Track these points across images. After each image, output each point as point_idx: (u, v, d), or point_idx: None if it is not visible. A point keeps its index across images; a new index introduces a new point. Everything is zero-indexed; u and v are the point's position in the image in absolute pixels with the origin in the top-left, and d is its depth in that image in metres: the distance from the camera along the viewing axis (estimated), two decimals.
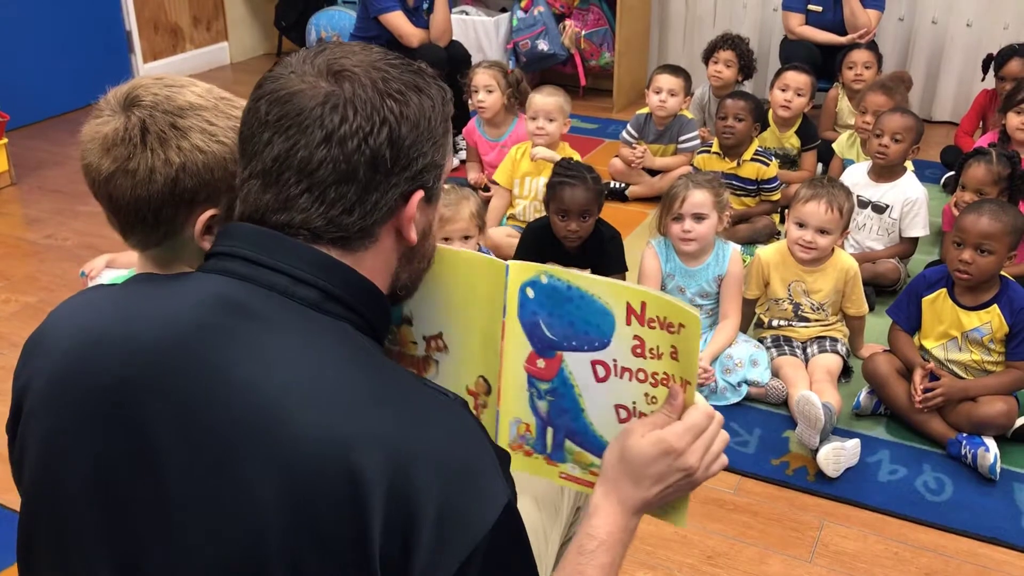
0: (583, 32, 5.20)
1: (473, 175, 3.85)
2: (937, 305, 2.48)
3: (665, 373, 1.05)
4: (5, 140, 4.10)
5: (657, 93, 3.82)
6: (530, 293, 1.07)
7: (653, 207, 3.49)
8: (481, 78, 3.68)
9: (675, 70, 3.84)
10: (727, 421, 2.50)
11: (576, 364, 1.09)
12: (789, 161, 3.83)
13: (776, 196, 3.51)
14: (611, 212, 3.64)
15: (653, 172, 3.93)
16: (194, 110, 1.12)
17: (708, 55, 4.09)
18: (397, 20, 4.15)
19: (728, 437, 1.10)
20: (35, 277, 3.35)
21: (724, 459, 1.09)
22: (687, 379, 1.05)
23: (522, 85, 3.77)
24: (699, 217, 2.57)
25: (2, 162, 4.09)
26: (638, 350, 1.05)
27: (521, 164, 3.37)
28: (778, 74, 3.75)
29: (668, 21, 5.46)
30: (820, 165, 3.90)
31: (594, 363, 1.08)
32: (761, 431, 2.51)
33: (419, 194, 0.95)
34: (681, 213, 2.58)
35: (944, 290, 2.47)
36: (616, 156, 4.01)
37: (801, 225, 2.58)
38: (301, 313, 0.89)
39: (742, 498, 2.29)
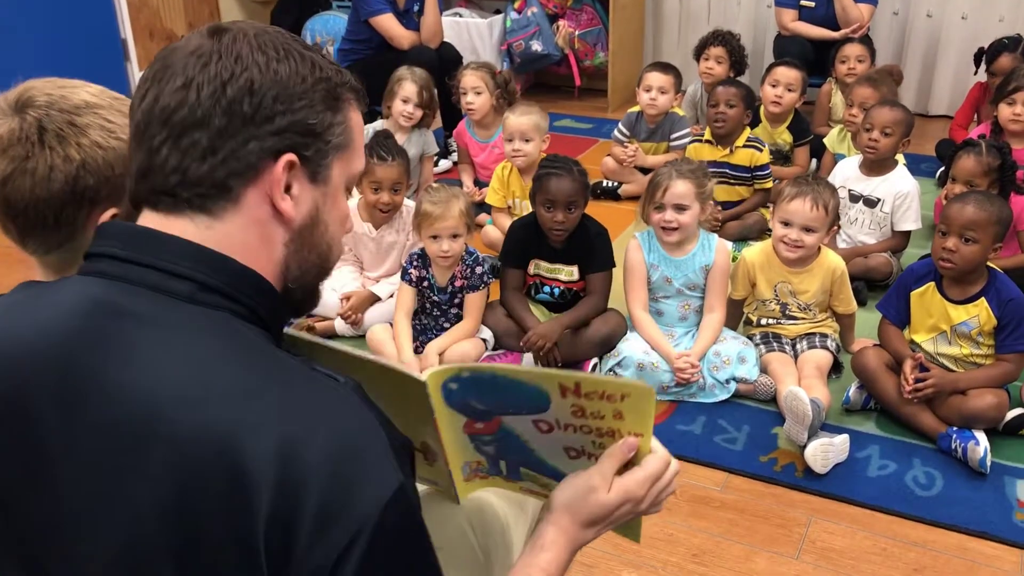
0: (577, 32, 5.20)
1: (467, 178, 3.83)
2: (926, 299, 2.46)
3: (611, 428, 1.07)
4: None
5: (647, 91, 3.80)
6: (452, 386, 1.06)
7: None
8: (469, 80, 3.67)
9: (665, 67, 3.83)
10: (716, 418, 2.50)
11: (516, 423, 1.09)
12: (782, 157, 3.81)
13: (769, 184, 3.49)
14: (604, 211, 3.62)
15: (646, 170, 3.91)
16: (90, 108, 1.11)
17: (699, 52, 4.08)
18: (387, 22, 4.15)
19: (676, 479, 1.13)
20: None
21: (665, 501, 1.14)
22: (638, 432, 1.07)
23: (510, 86, 3.76)
24: (681, 208, 2.56)
25: None
26: (579, 413, 1.06)
27: (510, 183, 3.34)
28: (768, 70, 3.74)
29: (662, 19, 5.45)
30: (814, 160, 3.88)
31: (535, 421, 1.08)
32: (750, 428, 2.49)
33: (288, 157, 0.90)
34: (663, 203, 2.56)
35: (932, 284, 2.44)
36: (608, 155, 4.00)
37: (786, 224, 2.56)
38: (175, 307, 0.87)
39: (729, 495, 2.26)
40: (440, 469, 1.20)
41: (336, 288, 2.97)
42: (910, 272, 2.52)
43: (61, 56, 5.08)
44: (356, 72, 3.78)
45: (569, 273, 2.74)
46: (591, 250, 2.70)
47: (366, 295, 2.91)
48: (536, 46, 5.19)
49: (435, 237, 2.62)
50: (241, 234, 0.91)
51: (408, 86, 3.54)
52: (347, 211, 1.03)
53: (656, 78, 3.79)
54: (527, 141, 3.23)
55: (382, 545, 0.81)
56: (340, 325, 2.90)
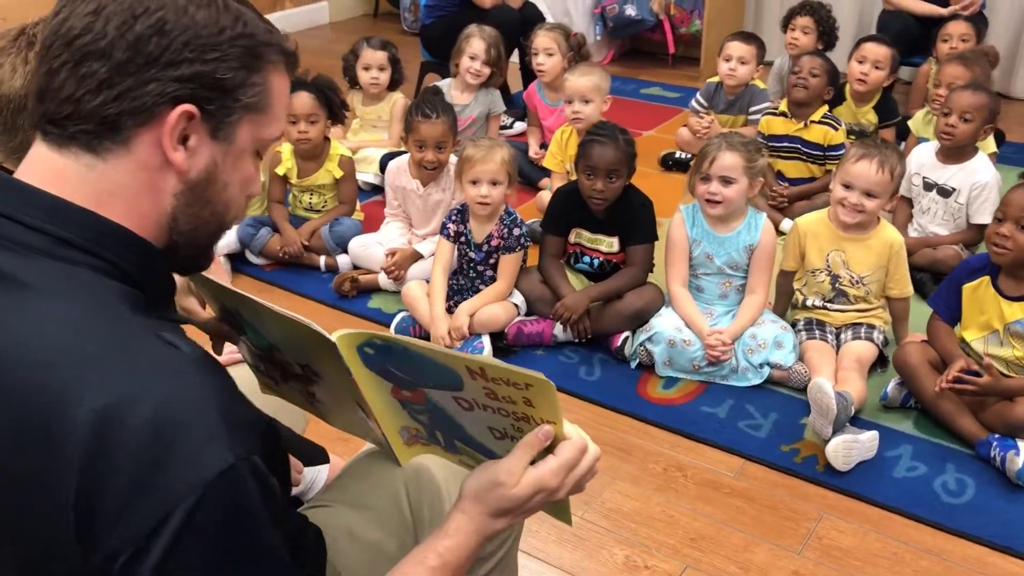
0: None
1: (533, 140, 3.79)
2: (979, 294, 2.30)
3: (524, 414, 1.03)
4: None
5: (727, 61, 3.67)
6: (369, 351, 1.04)
7: None
8: (542, 41, 3.62)
9: (747, 37, 3.68)
10: (744, 403, 2.42)
11: (439, 397, 1.07)
12: (866, 138, 3.61)
13: None
14: (673, 182, 3.53)
15: None
16: None
17: (786, 22, 3.90)
18: None
19: (597, 463, 1.08)
20: None
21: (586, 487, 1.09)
22: (550, 420, 1.03)
23: (584, 49, 3.69)
24: (727, 180, 2.46)
25: None
26: (492, 396, 1.03)
27: (568, 147, 3.28)
28: (857, 45, 3.54)
29: None
30: (902, 145, 3.67)
31: (456, 398, 1.05)
32: (777, 415, 2.40)
33: (187, 106, 0.87)
34: (709, 174, 2.47)
35: (987, 277, 2.29)
36: (684, 125, 3.89)
37: (847, 186, 2.43)
38: (29, 262, 0.84)
39: (741, 482, 2.19)
40: (376, 431, 1.19)
41: (383, 243, 3.00)
42: (965, 265, 2.37)
43: None
44: (439, 29, 3.85)
45: (609, 244, 2.68)
46: (633, 221, 2.63)
47: (410, 252, 2.92)
48: (630, 11, 5.06)
49: (475, 182, 2.61)
50: (125, 178, 0.89)
51: (476, 43, 3.51)
52: (252, 174, 0.99)
53: (737, 48, 3.65)
54: (586, 103, 3.16)
55: (200, 526, 0.78)
56: (383, 279, 2.92)
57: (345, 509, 1.24)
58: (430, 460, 1.30)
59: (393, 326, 2.72)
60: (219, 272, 1.31)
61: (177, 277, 1.28)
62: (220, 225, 0.99)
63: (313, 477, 1.45)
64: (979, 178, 2.90)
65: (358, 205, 3.25)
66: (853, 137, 3.60)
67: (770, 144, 3.41)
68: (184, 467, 0.78)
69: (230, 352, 1.48)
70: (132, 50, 0.86)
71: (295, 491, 1.43)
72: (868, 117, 3.58)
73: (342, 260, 3.05)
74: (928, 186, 2.99)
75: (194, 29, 0.87)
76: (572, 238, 2.72)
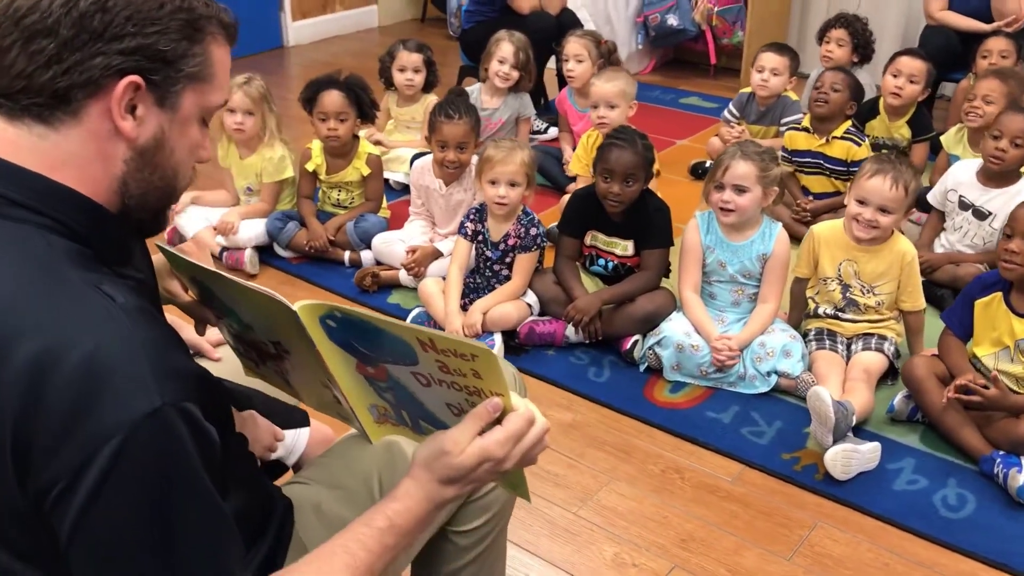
0: (716, 8, 5.04)
1: (566, 146, 3.82)
2: (991, 310, 2.28)
3: (475, 387, 1.07)
4: None
5: (759, 72, 3.67)
6: (331, 323, 1.07)
7: None
8: (572, 47, 3.66)
9: (781, 48, 3.68)
10: (750, 410, 2.43)
11: (399, 373, 1.10)
12: (899, 152, 3.58)
13: None
14: (700, 191, 3.52)
15: None
16: None
17: (821, 35, 3.89)
18: None
19: (546, 435, 1.09)
20: None
21: (537, 458, 1.11)
22: (497, 391, 1.06)
23: (614, 56, 3.72)
24: (740, 189, 2.47)
25: None
26: (444, 369, 1.06)
27: (594, 151, 3.30)
28: (892, 59, 3.51)
29: (810, 2, 5.21)
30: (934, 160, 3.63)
31: (413, 373, 1.09)
32: (782, 424, 2.40)
33: (133, 78, 0.93)
34: (723, 182, 2.49)
35: (999, 294, 2.27)
36: (716, 135, 3.89)
37: (862, 202, 2.43)
38: None
39: (738, 487, 2.20)
40: (345, 406, 1.23)
41: (405, 240, 3.06)
42: (978, 281, 2.35)
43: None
44: (477, 34, 3.93)
45: (624, 248, 2.70)
46: (648, 225, 2.66)
47: (430, 250, 2.97)
48: (672, 20, 5.08)
49: (494, 182, 2.65)
50: (76, 146, 0.95)
51: (505, 47, 3.56)
52: (199, 140, 1.04)
53: (769, 59, 3.65)
54: (612, 108, 3.19)
55: (125, 467, 0.82)
56: (403, 276, 2.98)
57: (319, 487, 1.29)
58: (406, 444, 1.33)
59: (408, 321, 2.77)
60: (200, 253, 1.36)
61: (158, 260, 1.35)
62: (170, 190, 1.04)
63: (294, 440, 1.50)
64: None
65: (385, 203, 3.32)
66: (886, 151, 3.58)
67: (794, 159, 3.40)
68: (111, 408, 0.82)
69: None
70: (77, 27, 0.91)
71: (276, 455, 1.47)
72: (902, 132, 3.55)
73: (366, 256, 3.12)
74: (964, 205, 2.96)
75: (135, 4, 0.93)
76: (588, 240, 2.75)
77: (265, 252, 3.22)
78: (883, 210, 2.41)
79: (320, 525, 1.21)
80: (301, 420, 1.51)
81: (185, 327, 1.52)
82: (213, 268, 1.18)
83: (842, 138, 3.27)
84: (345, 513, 1.22)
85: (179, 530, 0.87)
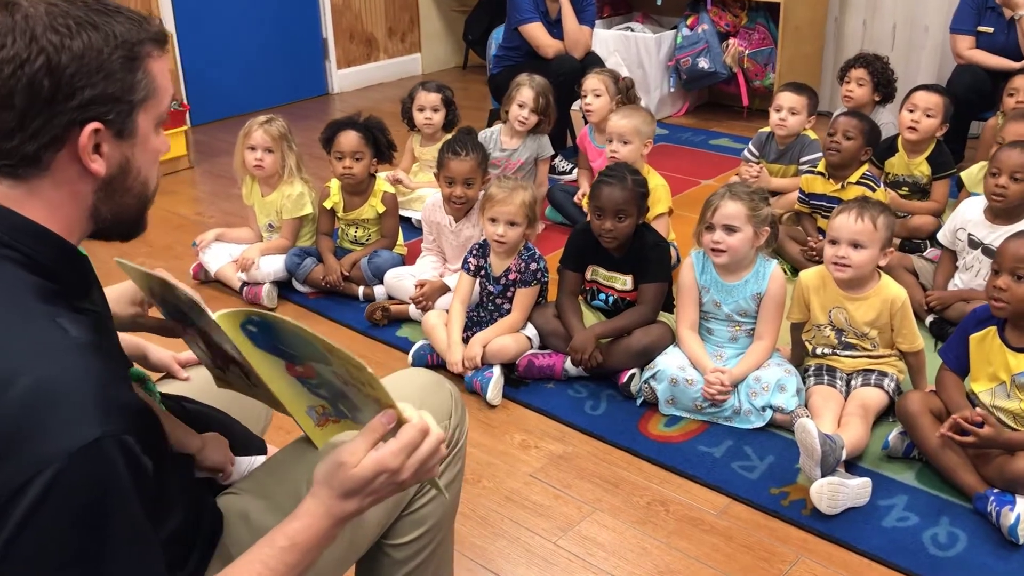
0: (747, 51, 5.08)
1: (584, 183, 3.87)
2: (985, 345, 2.25)
3: (374, 396, 1.10)
4: (186, 127, 4.61)
5: (777, 111, 3.68)
6: (252, 328, 1.12)
7: None
8: (591, 82, 3.72)
9: (799, 88, 3.69)
10: (743, 444, 2.42)
11: (324, 372, 1.14)
12: (919, 190, 3.55)
13: None
14: None
15: (773, 193, 3.78)
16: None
17: (842, 74, 3.88)
18: (534, 31, 4.27)
19: (442, 446, 1.12)
20: (171, 247, 3.76)
21: (437, 469, 1.14)
22: (388, 404, 1.10)
23: (631, 92, 3.76)
24: (730, 229, 2.48)
25: (181, 147, 4.60)
26: (350, 375, 1.10)
27: None
28: (908, 94, 3.50)
29: (843, 42, 5.21)
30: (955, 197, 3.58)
31: (334, 373, 1.12)
32: (773, 458, 2.38)
33: (93, 125, 0.99)
34: (712, 223, 2.50)
35: (994, 328, 2.23)
36: (736, 174, 3.90)
37: (834, 242, 2.42)
38: None
39: (723, 521, 2.18)
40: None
41: (416, 275, 3.12)
42: (972, 315, 2.32)
43: (267, 51, 5.62)
44: (504, 77, 4.10)
45: (624, 283, 2.72)
46: (645, 260, 2.68)
47: (439, 284, 3.03)
48: (703, 63, 5.12)
49: (494, 220, 2.71)
50: (48, 192, 1.01)
51: (525, 91, 3.64)
52: (159, 147, 1.10)
53: (788, 98, 3.66)
54: (625, 144, 3.23)
55: (61, 493, 0.86)
56: (413, 310, 3.04)
57: (249, 497, 1.32)
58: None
59: (411, 353, 2.83)
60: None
61: (122, 289, 1.41)
62: (144, 198, 1.10)
63: (248, 467, 1.55)
64: None
65: (402, 240, 3.40)
66: (906, 189, 3.55)
67: (811, 202, 3.39)
68: (52, 437, 0.87)
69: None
70: (28, 95, 0.96)
71: (230, 480, 1.52)
72: (921, 169, 3.51)
73: (379, 290, 3.19)
74: (973, 244, 2.91)
75: (76, 59, 0.97)
76: (589, 275, 2.78)
77: (284, 287, 3.32)
78: (855, 245, 2.40)
79: (246, 534, 1.25)
80: (258, 448, 1.56)
81: (152, 348, 1.59)
82: (160, 275, 1.24)
83: (858, 183, 3.24)
84: (271, 523, 1.25)
85: (109, 555, 0.91)
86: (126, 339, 1.52)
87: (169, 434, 1.28)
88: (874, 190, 3.25)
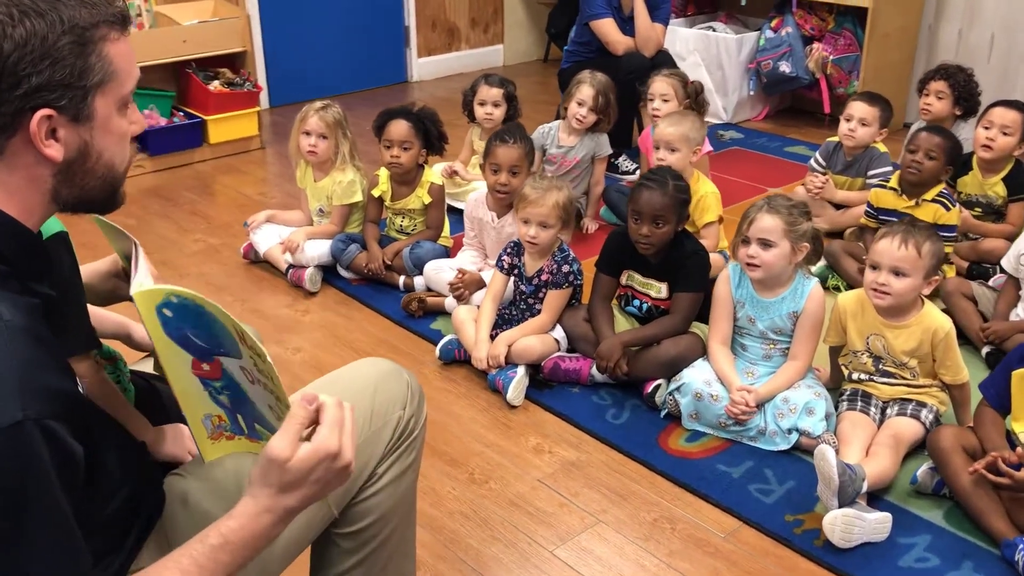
0: (831, 57, 4.89)
1: None
2: None
3: (274, 392, 1.08)
4: (258, 108, 4.69)
5: (847, 120, 3.53)
6: (168, 313, 1.09)
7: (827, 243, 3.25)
8: (658, 86, 3.63)
9: (872, 98, 3.53)
10: (764, 466, 2.34)
11: (231, 367, 1.11)
12: (993, 212, 3.36)
13: (950, 248, 3.10)
14: None
15: (838, 206, 3.64)
16: None
17: (921, 86, 3.69)
18: (605, 27, 4.19)
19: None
20: (229, 225, 3.83)
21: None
22: (283, 399, 1.08)
23: (701, 97, 3.66)
24: (766, 244, 2.38)
25: (252, 127, 4.68)
26: (257, 368, 1.08)
27: None
28: (985, 110, 3.31)
29: (936, 52, 4.97)
30: None
31: (242, 368, 1.10)
32: (793, 484, 2.28)
33: (44, 112, 0.99)
34: (748, 236, 2.41)
35: None
36: (801, 184, 3.77)
37: (875, 267, 2.30)
38: None
39: (729, 544, 2.10)
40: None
41: (454, 268, 3.10)
42: (1018, 350, 2.17)
43: (348, 37, 5.68)
44: (573, 72, 4.14)
45: (659, 290, 2.65)
46: (681, 269, 2.60)
47: (476, 278, 3.00)
48: (784, 67, 4.95)
49: (526, 221, 2.67)
50: (3, 176, 1.02)
51: (585, 89, 3.57)
52: (125, 128, 1.10)
53: (859, 108, 3.50)
54: (672, 151, 3.14)
55: None
56: (449, 302, 3.02)
57: (191, 479, 1.32)
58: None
59: (439, 346, 2.81)
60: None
61: (99, 264, 1.43)
62: (111, 177, 1.10)
63: None
64: None
65: (447, 232, 3.39)
66: (979, 210, 3.37)
67: (879, 217, 3.24)
68: None
69: None
70: None
71: None
72: (996, 189, 3.32)
73: (419, 281, 3.19)
74: None
75: (20, 47, 0.97)
76: (624, 280, 2.72)
77: (329, 272, 3.34)
78: (897, 272, 2.27)
79: (185, 517, 1.25)
80: None
81: (136, 328, 1.60)
82: (130, 237, 1.24)
83: (933, 201, 3.08)
84: (209, 507, 1.25)
85: (27, 540, 0.91)
86: (111, 318, 1.55)
87: (124, 423, 1.29)
88: (948, 209, 3.08)
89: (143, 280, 1.13)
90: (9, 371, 0.92)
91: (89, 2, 1.03)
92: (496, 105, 3.74)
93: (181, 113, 4.54)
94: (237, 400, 1.15)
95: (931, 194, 3.12)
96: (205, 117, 4.50)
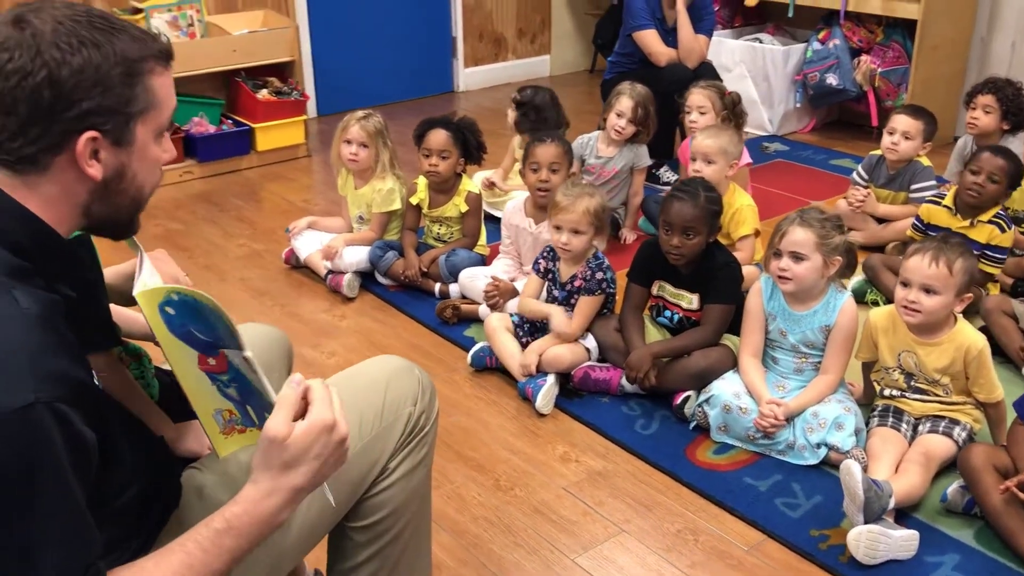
0: (880, 70, 4.84)
1: None
2: None
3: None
4: (304, 117, 4.78)
5: (890, 134, 3.49)
6: (170, 311, 1.13)
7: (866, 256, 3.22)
8: (696, 98, 3.62)
9: (916, 111, 3.49)
10: (792, 480, 2.33)
11: (236, 359, 1.15)
12: None
13: (996, 270, 3.04)
14: None
15: (881, 220, 3.60)
16: None
17: (968, 100, 3.64)
18: (648, 38, 4.20)
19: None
20: (273, 231, 3.91)
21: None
22: (268, 397, 1.13)
23: (739, 107, 3.65)
24: (797, 257, 2.37)
25: (299, 136, 4.77)
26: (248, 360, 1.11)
27: None
28: None
29: (988, 65, 4.89)
30: None
31: (244, 358, 1.13)
32: (821, 499, 2.26)
33: (90, 134, 1.07)
34: (779, 249, 2.40)
35: None
36: (843, 197, 3.73)
37: (905, 284, 2.28)
38: None
39: (751, 558, 2.09)
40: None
41: (489, 276, 3.13)
42: None
43: (396, 46, 5.76)
44: (615, 83, 4.19)
45: (690, 301, 2.65)
46: (712, 280, 2.59)
47: (511, 287, 3.02)
48: (831, 79, 4.91)
49: (558, 228, 2.69)
50: (45, 188, 1.09)
51: (624, 101, 3.58)
52: (159, 155, 1.18)
53: (903, 121, 3.46)
54: (708, 163, 3.13)
55: None
56: (483, 310, 3.05)
57: (207, 472, 1.36)
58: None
59: (471, 353, 2.84)
60: (165, 261, 1.50)
61: (126, 266, 1.48)
62: (138, 201, 1.19)
63: None
64: None
65: (484, 240, 3.42)
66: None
67: (928, 234, 3.18)
68: None
69: None
70: (30, 104, 1.05)
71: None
72: None
73: (454, 288, 3.22)
74: None
75: (76, 74, 1.05)
76: (655, 291, 2.72)
77: (368, 278, 3.39)
78: (928, 290, 2.24)
79: (200, 509, 1.28)
80: None
81: None
82: (136, 242, 1.29)
83: (989, 222, 3.02)
84: (223, 499, 1.28)
85: (37, 520, 0.95)
86: (140, 320, 1.59)
87: (143, 418, 1.33)
88: (1004, 231, 3.02)
89: (146, 280, 1.17)
90: (24, 355, 0.96)
91: (139, 38, 1.12)
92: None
93: (230, 121, 4.64)
94: (245, 391, 1.18)
95: (987, 215, 3.05)
96: (253, 125, 4.60)
